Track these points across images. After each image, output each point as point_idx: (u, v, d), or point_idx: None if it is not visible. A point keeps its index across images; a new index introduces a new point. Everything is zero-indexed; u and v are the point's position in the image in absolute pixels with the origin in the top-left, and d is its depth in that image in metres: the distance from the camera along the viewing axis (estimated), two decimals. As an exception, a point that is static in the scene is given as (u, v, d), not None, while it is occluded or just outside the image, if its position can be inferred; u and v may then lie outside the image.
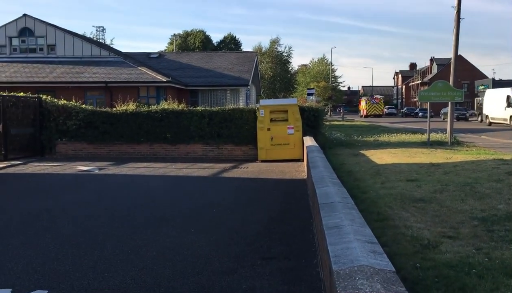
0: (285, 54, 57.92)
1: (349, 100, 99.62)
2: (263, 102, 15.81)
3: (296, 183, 10.35)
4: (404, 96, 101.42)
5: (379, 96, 68.22)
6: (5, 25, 25.78)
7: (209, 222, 6.74)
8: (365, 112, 64.43)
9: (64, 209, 7.73)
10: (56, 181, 11.05)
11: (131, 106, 16.52)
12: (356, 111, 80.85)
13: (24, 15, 25.86)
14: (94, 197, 8.90)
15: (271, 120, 14.85)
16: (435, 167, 11.31)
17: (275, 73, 55.15)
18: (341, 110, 69.63)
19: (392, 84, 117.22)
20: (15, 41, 26.06)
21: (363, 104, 66.27)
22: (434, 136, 20.11)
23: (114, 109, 16.53)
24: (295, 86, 61.73)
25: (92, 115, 16.01)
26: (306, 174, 10.63)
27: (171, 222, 6.74)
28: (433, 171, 10.60)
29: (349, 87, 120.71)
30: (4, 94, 15.31)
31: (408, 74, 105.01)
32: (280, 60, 56.61)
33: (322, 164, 7.43)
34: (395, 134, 22.97)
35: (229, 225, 6.49)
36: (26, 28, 25.81)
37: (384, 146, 17.57)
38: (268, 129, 14.78)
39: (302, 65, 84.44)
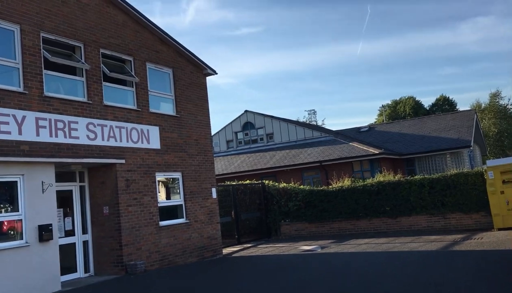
0: (509, 106, 51.94)
1: None
2: (491, 162, 14.03)
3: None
4: None
5: None
6: (231, 122, 29.62)
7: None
8: None
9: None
10: (285, 261, 11.43)
11: (346, 182, 16.55)
12: None
13: (246, 111, 29.28)
14: (320, 277, 8.81)
15: (504, 182, 13.03)
16: None
17: (501, 129, 49.47)
18: None
19: None
20: (240, 135, 29.52)
21: None
22: None
23: (330, 186, 16.78)
24: (529, 140, 54.13)
25: (310, 195, 16.51)
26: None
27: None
28: None
29: None
30: (234, 183, 17.09)
31: None
32: (504, 114, 50.85)
33: None
34: None
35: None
36: (248, 122, 29.07)
37: None
38: (502, 192, 12.96)
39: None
